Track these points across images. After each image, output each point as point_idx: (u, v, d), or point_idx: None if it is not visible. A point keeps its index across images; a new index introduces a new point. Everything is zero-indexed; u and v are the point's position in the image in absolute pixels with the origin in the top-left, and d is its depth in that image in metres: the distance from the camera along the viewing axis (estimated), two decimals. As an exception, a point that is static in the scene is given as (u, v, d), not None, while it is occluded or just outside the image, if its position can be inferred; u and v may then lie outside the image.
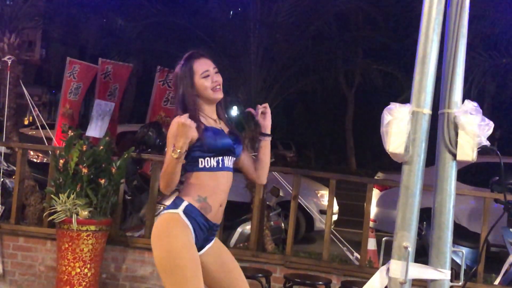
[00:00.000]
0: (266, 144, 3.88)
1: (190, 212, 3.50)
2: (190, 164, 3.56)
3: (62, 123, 9.60)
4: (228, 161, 3.63)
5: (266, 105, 3.88)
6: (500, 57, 7.95)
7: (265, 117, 3.86)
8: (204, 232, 3.57)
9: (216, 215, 3.60)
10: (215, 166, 3.57)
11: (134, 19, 8.47)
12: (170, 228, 3.49)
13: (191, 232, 3.49)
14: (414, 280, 2.71)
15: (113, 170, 6.45)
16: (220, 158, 3.58)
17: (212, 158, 3.56)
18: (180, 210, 3.50)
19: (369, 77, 8.57)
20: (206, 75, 3.63)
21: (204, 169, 3.55)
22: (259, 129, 3.88)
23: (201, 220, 3.53)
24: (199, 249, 3.58)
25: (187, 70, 3.64)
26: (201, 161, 3.56)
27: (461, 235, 7.34)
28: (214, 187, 3.57)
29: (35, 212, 7.63)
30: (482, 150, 2.81)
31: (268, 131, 3.86)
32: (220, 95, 3.67)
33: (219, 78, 3.67)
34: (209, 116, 3.68)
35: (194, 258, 3.46)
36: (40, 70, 38.11)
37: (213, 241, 3.73)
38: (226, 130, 3.72)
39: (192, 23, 7.82)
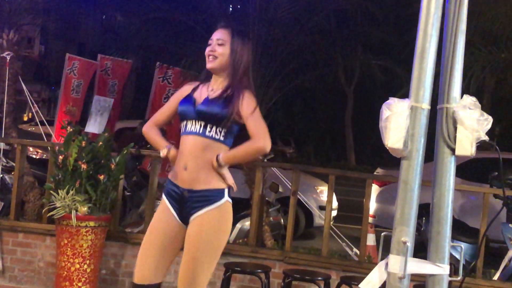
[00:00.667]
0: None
1: (167, 185, 3.87)
2: None
3: (63, 120, 9.60)
4: (192, 126, 3.77)
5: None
6: (499, 52, 7.95)
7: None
8: (177, 198, 3.78)
9: (182, 178, 3.76)
10: (182, 131, 3.83)
11: (133, 15, 8.47)
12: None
13: (165, 202, 3.85)
14: (412, 275, 2.72)
15: (112, 166, 6.45)
16: (184, 122, 3.83)
17: (182, 124, 3.85)
18: (164, 191, 3.90)
19: (368, 73, 8.59)
20: (209, 43, 3.88)
21: (180, 134, 3.87)
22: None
23: (171, 188, 3.82)
24: (184, 218, 3.78)
25: None
26: (180, 127, 3.89)
27: (460, 230, 7.35)
28: (180, 151, 3.80)
29: (34, 208, 7.64)
30: (481, 145, 2.81)
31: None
32: (210, 65, 3.85)
33: (216, 49, 3.83)
34: (211, 84, 3.90)
35: (152, 225, 3.88)
36: (39, 66, 38.09)
37: (195, 217, 3.73)
38: (209, 96, 3.82)
39: (191, 19, 7.82)
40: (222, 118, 3.71)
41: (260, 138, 3.69)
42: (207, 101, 3.79)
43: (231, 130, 3.79)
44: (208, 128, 3.73)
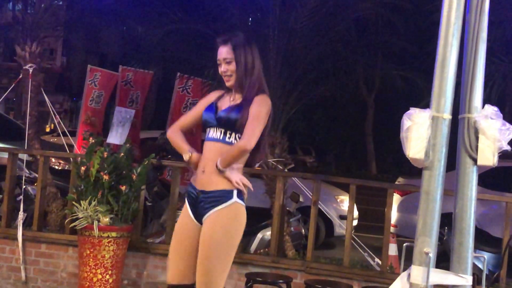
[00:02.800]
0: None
1: (188, 189, 4.08)
2: None
3: (84, 130, 9.66)
4: (213, 132, 3.96)
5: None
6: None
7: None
8: (193, 199, 3.97)
9: (199, 180, 3.95)
10: (206, 137, 4.03)
11: (154, 26, 8.52)
12: None
13: (186, 208, 4.03)
14: (435, 285, 2.70)
15: (134, 177, 6.49)
16: (207, 130, 4.02)
17: (206, 130, 4.05)
18: (186, 195, 4.12)
19: (389, 82, 8.57)
20: (219, 63, 4.06)
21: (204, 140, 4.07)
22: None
23: (190, 190, 4.01)
24: (197, 216, 3.95)
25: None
26: None
27: (483, 240, 7.28)
28: (202, 157, 3.99)
29: (57, 219, 7.69)
30: (503, 155, 2.80)
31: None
32: (229, 84, 4.04)
33: (227, 68, 4.00)
34: (232, 94, 4.06)
35: (175, 231, 4.08)
36: (61, 78, 38.38)
37: (208, 216, 3.88)
38: (230, 105, 4.00)
39: (212, 30, 7.85)
40: (238, 125, 3.87)
41: (244, 137, 3.84)
42: (226, 108, 3.97)
43: None
44: (228, 135, 3.92)
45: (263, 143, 4.03)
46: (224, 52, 4.00)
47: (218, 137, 3.93)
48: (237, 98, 4.02)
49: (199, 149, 4.09)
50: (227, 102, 4.04)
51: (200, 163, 3.96)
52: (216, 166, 3.82)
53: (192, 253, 3.95)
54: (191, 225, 3.98)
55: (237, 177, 3.86)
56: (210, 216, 3.86)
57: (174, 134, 4.17)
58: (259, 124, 3.87)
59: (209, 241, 3.83)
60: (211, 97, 4.15)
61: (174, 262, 4.02)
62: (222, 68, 4.01)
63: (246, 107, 3.89)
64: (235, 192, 3.88)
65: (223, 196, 3.86)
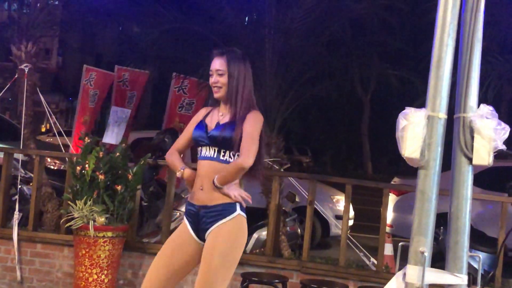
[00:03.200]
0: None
1: (186, 207, 4.06)
2: None
3: (80, 130, 9.65)
4: (207, 151, 3.95)
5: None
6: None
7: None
8: (194, 216, 3.94)
9: (198, 197, 3.94)
10: (198, 156, 4.02)
11: (150, 26, 8.51)
12: None
13: (185, 225, 4.00)
14: (430, 285, 2.71)
15: (130, 177, 6.48)
16: (199, 148, 4.00)
17: (197, 149, 4.04)
18: (184, 213, 4.12)
19: (384, 82, 8.56)
20: (210, 74, 4.04)
21: (198, 159, 4.05)
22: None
23: (189, 208, 4.00)
24: (199, 233, 3.93)
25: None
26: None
27: (478, 239, 7.29)
28: (197, 174, 3.99)
29: (52, 219, 7.68)
30: (498, 154, 2.80)
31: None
32: (217, 95, 4.01)
33: (219, 79, 3.98)
34: (220, 110, 4.06)
35: (168, 240, 4.06)
36: (57, 78, 38.38)
37: (210, 231, 3.87)
38: (220, 122, 3.99)
39: (208, 30, 7.84)
40: (231, 143, 3.86)
41: (242, 155, 3.83)
42: (218, 127, 3.95)
43: None
44: (222, 153, 3.90)
45: (261, 160, 4.04)
46: (217, 63, 3.99)
47: (212, 156, 3.91)
48: (225, 114, 4.00)
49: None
50: (215, 118, 4.02)
51: (197, 181, 3.96)
52: (213, 183, 3.82)
53: (179, 268, 3.93)
54: (190, 241, 3.95)
55: (235, 191, 3.87)
56: (214, 229, 3.85)
57: (170, 156, 4.19)
58: (255, 141, 3.88)
59: (213, 253, 3.81)
60: (200, 115, 4.14)
61: (156, 270, 3.94)
62: (212, 79, 3.99)
63: (239, 125, 3.87)
64: (237, 205, 3.89)
65: (226, 209, 3.87)
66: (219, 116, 4.02)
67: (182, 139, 4.20)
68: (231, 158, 3.87)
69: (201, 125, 4.01)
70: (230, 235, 3.84)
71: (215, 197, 3.86)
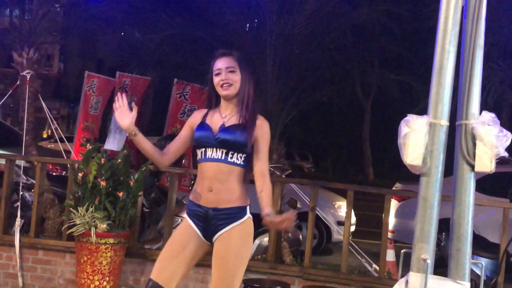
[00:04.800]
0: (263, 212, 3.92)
1: (189, 207, 3.99)
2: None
3: (82, 136, 9.66)
4: (213, 153, 3.90)
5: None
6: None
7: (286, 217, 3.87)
8: (202, 217, 3.90)
9: (207, 199, 3.89)
10: (200, 158, 3.95)
11: (151, 32, 8.51)
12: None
13: (188, 221, 3.96)
14: (433, 292, 2.70)
15: (131, 183, 6.48)
16: (202, 150, 3.93)
17: (198, 150, 3.97)
18: (185, 212, 4.05)
19: (385, 88, 8.55)
20: (218, 72, 3.95)
21: (199, 160, 3.98)
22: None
23: (194, 209, 3.93)
24: (208, 235, 3.91)
25: (210, 68, 4.02)
26: (197, 153, 4.01)
27: (481, 245, 7.27)
28: (200, 177, 3.95)
29: (54, 225, 7.68)
30: (500, 160, 2.80)
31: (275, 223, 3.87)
32: (226, 92, 3.94)
33: (230, 76, 3.93)
34: (221, 111, 4.00)
35: (173, 238, 3.99)
36: (58, 84, 38.41)
37: (220, 234, 3.87)
38: (224, 124, 3.94)
39: (209, 36, 7.85)
40: (244, 146, 3.87)
41: (263, 164, 3.94)
42: (225, 129, 3.91)
43: (250, 154, 3.95)
44: (230, 155, 3.88)
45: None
46: (226, 61, 3.95)
47: (220, 157, 3.88)
48: (229, 115, 3.97)
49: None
50: (218, 120, 3.97)
51: (204, 183, 3.91)
52: (266, 216, 3.77)
53: (186, 262, 3.91)
54: (195, 238, 3.94)
55: (280, 217, 3.83)
56: (226, 232, 3.86)
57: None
58: (268, 148, 4.00)
59: (229, 256, 3.83)
60: (196, 118, 4.07)
61: (165, 261, 3.91)
62: (222, 76, 3.91)
63: (252, 129, 3.89)
64: (247, 208, 3.95)
65: (238, 212, 3.89)
66: (222, 117, 3.97)
67: (175, 143, 4.11)
68: (238, 160, 3.88)
69: (204, 127, 3.95)
70: (242, 237, 3.88)
71: (226, 200, 3.87)
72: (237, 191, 3.90)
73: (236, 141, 3.86)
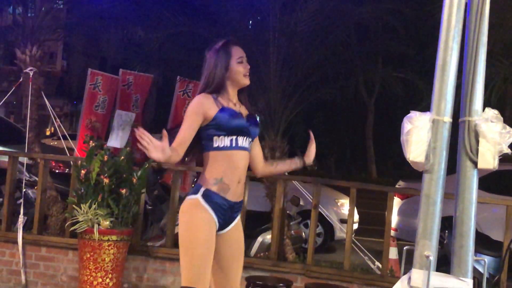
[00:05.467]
0: (294, 166, 4.16)
1: (208, 196, 3.72)
2: (205, 141, 3.79)
3: (85, 134, 9.66)
4: (243, 141, 3.81)
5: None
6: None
7: (312, 145, 4.20)
8: (226, 211, 3.77)
9: (235, 193, 3.79)
10: (228, 145, 3.75)
11: (154, 30, 8.52)
12: (190, 211, 3.73)
13: (210, 214, 3.71)
14: (436, 289, 2.70)
15: (134, 180, 6.49)
16: (234, 137, 3.76)
17: (226, 137, 3.74)
18: (199, 195, 3.73)
19: (389, 86, 8.54)
20: (241, 61, 3.87)
21: (218, 148, 3.75)
22: (302, 154, 4.17)
23: (220, 201, 3.73)
24: (224, 226, 3.81)
25: (225, 53, 3.85)
26: (215, 140, 3.75)
27: (484, 243, 7.26)
28: (229, 166, 3.75)
29: (57, 223, 7.69)
30: (504, 158, 2.80)
31: (310, 161, 4.17)
32: (248, 81, 3.92)
33: (248, 66, 3.92)
34: (230, 99, 3.87)
35: (206, 240, 3.67)
36: (61, 81, 38.46)
37: (235, 222, 3.88)
38: (245, 113, 3.89)
39: (212, 33, 7.84)
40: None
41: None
42: (252, 118, 3.93)
43: None
44: (250, 145, 3.90)
45: None
46: (241, 51, 3.91)
47: (247, 146, 3.84)
48: (236, 103, 3.88)
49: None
50: (234, 107, 3.83)
51: (234, 173, 3.75)
52: (301, 159, 4.12)
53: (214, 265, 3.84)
54: (215, 237, 3.76)
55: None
56: (237, 222, 3.91)
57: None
58: None
59: (242, 244, 3.98)
60: (208, 104, 3.73)
61: (208, 272, 3.70)
62: (246, 66, 3.88)
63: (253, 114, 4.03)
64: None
65: (240, 206, 3.96)
66: (235, 104, 3.86)
67: (187, 134, 3.70)
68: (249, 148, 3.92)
69: (234, 113, 3.77)
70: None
71: (240, 194, 3.86)
72: (243, 186, 3.92)
73: (259, 132, 3.96)
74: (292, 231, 8.01)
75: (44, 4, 8.17)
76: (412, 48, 9.26)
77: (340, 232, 10.27)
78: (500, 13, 7.38)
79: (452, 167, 2.87)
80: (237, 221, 3.90)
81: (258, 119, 4.01)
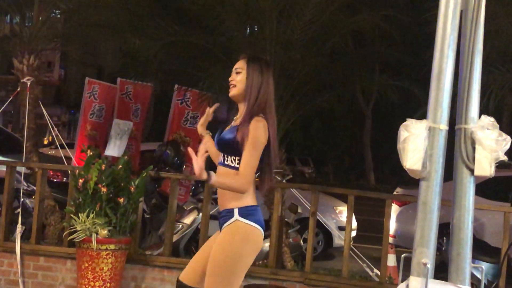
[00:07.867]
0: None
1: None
2: None
3: (83, 143, 9.66)
4: (221, 157, 3.88)
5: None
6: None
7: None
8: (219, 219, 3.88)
9: (218, 201, 3.90)
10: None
11: (151, 39, 8.53)
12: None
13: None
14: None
15: (132, 189, 6.49)
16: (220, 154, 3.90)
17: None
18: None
19: (386, 93, 8.55)
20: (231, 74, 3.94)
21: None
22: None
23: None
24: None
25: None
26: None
27: (481, 250, 7.27)
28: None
29: (55, 232, 7.69)
30: (501, 164, 2.80)
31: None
32: (231, 93, 3.91)
33: (234, 77, 3.91)
34: (238, 114, 3.92)
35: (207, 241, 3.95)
36: (59, 91, 38.47)
37: (222, 231, 3.84)
38: (231, 125, 3.90)
39: (209, 42, 7.86)
40: (231, 147, 3.75)
41: (241, 178, 3.67)
42: (226, 131, 3.85)
43: None
44: (226, 158, 3.82)
45: (267, 170, 3.90)
46: (238, 63, 3.93)
47: (222, 161, 3.84)
48: (239, 117, 3.88)
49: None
50: (233, 124, 3.88)
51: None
52: (208, 175, 3.49)
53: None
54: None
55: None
56: (220, 232, 3.86)
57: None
58: (255, 151, 3.71)
59: (210, 257, 3.75)
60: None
61: (193, 262, 3.96)
62: (230, 77, 3.93)
63: (241, 128, 3.71)
64: (236, 211, 3.75)
65: (227, 215, 3.79)
66: (236, 119, 3.90)
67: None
68: (233, 163, 3.76)
69: (219, 130, 3.95)
70: (225, 242, 3.73)
71: (225, 202, 3.82)
72: (228, 194, 3.76)
73: (225, 141, 3.79)
74: (291, 239, 8.01)
75: (41, 13, 8.18)
76: (409, 56, 9.28)
77: (339, 239, 10.27)
78: (495, 20, 7.40)
79: (449, 174, 2.88)
80: (223, 230, 3.79)
81: (232, 127, 3.80)
